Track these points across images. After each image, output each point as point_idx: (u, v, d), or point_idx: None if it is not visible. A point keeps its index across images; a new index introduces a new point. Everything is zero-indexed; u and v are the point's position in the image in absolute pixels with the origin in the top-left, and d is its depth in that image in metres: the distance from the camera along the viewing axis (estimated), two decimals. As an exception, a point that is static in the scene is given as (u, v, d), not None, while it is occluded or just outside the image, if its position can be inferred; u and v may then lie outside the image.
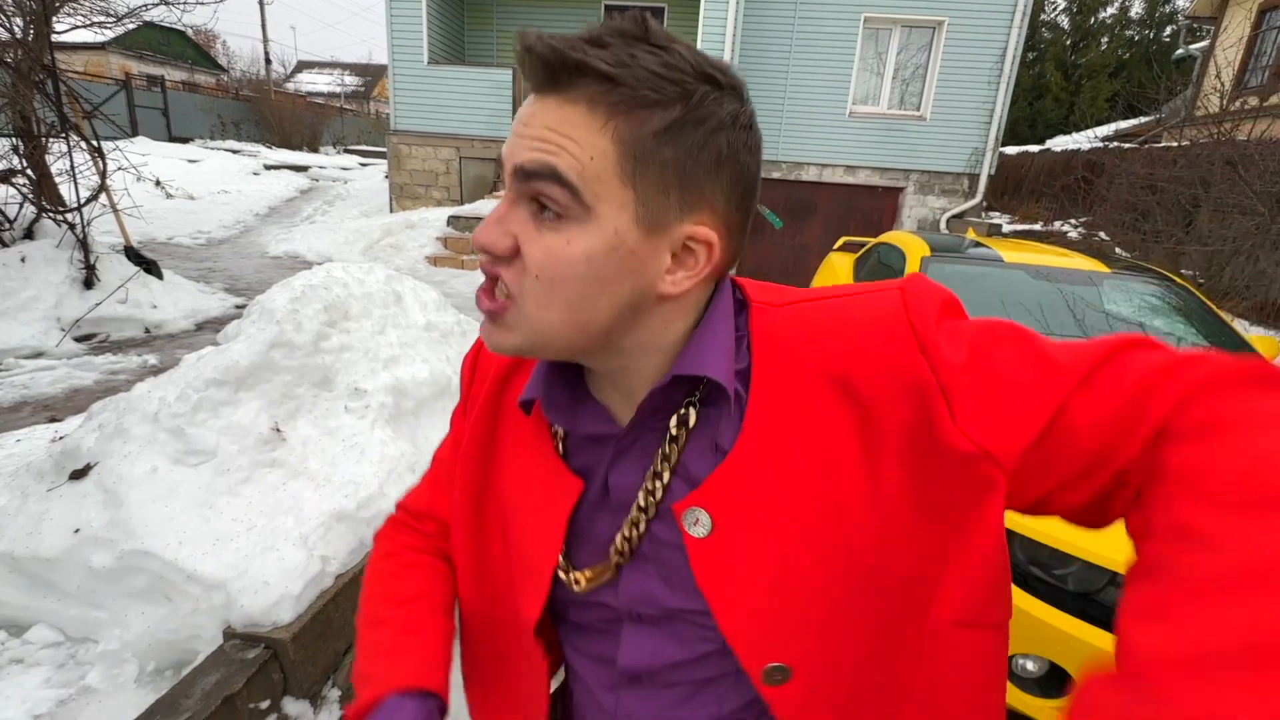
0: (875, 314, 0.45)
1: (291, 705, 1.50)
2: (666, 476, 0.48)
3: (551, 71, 0.40)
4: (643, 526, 0.49)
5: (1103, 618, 1.41)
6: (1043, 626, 1.42)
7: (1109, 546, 1.43)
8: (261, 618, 1.47)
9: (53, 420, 2.62)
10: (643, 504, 0.48)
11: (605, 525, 0.51)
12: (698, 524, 0.46)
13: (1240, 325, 5.84)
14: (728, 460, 0.46)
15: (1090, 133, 9.81)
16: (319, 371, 2.12)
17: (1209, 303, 2.80)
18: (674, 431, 0.47)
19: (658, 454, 0.48)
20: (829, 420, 0.44)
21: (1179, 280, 2.95)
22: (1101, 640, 1.38)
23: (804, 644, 0.46)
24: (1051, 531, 1.48)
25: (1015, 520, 1.51)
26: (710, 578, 0.46)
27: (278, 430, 1.90)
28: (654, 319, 0.46)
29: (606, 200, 0.40)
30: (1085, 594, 1.44)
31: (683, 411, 0.47)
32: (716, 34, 7.65)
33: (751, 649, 0.46)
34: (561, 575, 0.51)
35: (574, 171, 0.39)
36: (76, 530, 1.56)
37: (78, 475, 1.69)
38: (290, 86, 28.73)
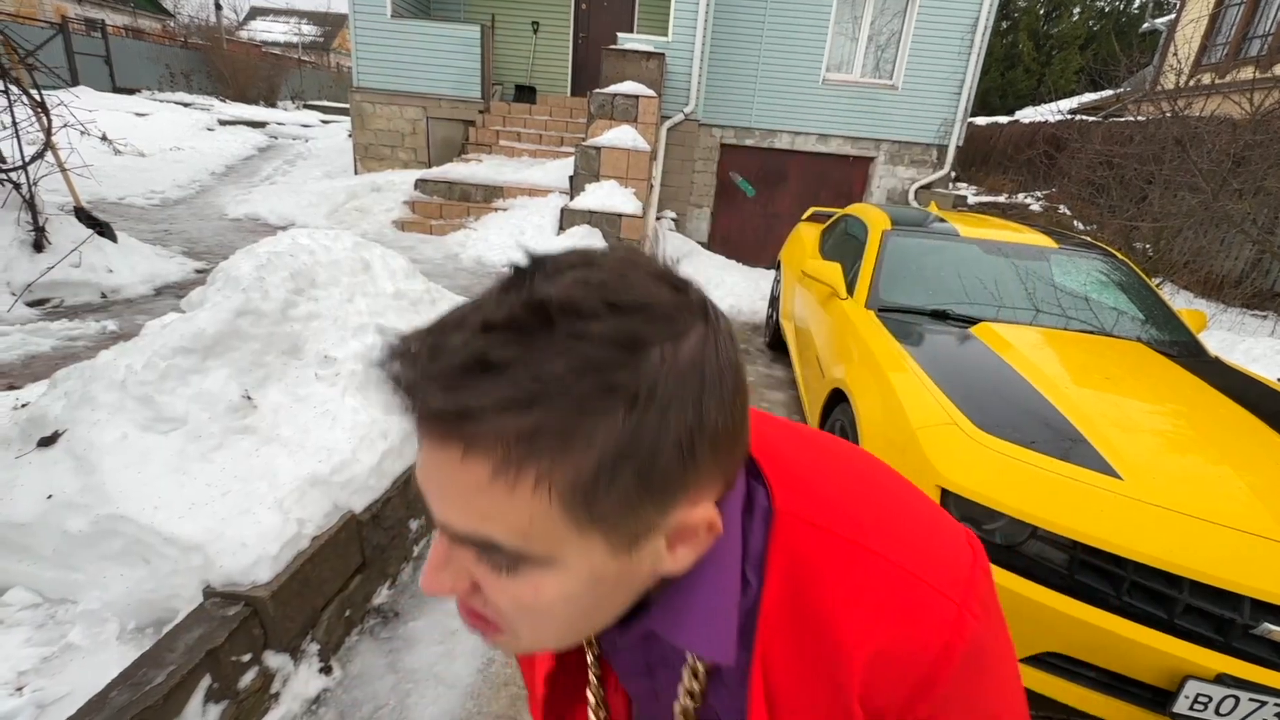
0: (920, 620, 0.39)
1: (273, 658, 1.57)
2: None
3: (442, 424, 0.31)
4: None
5: (1023, 567, 1.56)
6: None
7: (1031, 503, 1.57)
8: (240, 577, 1.53)
9: (11, 387, 2.57)
10: None
11: None
12: None
13: (1184, 298, 6.16)
14: None
15: (1056, 105, 9.97)
16: (288, 339, 2.13)
17: (1145, 278, 2.99)
18: (689, 685, 0.45)
19: (675, 706, 0.46)
20: (832, 693, 0.41)
21: (1120, 256, 3.13)
22: (1022, 586, 1.53)
23: None
24: (982, 490, 1.61)
25: (952, 481, 1.65)
26: None
27: (248, 398, 1.92)
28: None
29: (566, 547, 0.33)
30: (1010, 546, 1.59)
31: (691, 660, 0.44)
32: (691, -6, 7.49)
33: None
34: None
35: (517, 538, 0.33)
36: (49, 496, 1.59)
37: (46, 442, 1.69)
38: (243, 35, 27.14)
